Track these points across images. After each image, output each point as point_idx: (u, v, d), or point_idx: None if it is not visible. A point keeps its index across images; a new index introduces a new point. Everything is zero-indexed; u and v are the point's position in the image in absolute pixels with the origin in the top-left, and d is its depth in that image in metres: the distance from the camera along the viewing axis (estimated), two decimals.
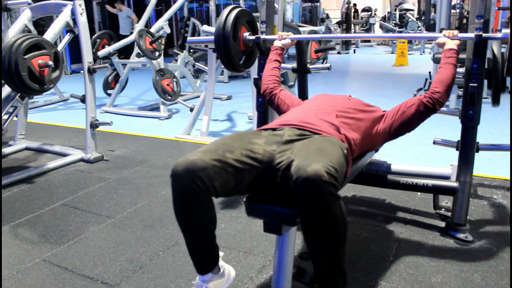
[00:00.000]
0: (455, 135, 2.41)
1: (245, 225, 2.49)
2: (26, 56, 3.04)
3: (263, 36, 2.69)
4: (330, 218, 1.42)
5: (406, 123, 2.12)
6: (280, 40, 2.62)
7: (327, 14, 15.71)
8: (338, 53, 13.97)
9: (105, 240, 2.41)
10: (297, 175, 1.39)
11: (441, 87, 2.08)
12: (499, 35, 2.11)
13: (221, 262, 1.75)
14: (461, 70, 2.54)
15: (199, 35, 8.89)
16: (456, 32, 2.21)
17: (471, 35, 2.18)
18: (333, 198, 1.40)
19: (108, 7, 11.38)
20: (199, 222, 1.62)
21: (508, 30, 1.99)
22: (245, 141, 1.73)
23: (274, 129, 1.90)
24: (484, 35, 2.14)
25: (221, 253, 1.75)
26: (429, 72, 6.08)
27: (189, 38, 3.06)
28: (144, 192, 3.08)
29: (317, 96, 2.33)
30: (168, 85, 5.43)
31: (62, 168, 3.64)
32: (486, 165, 3.41)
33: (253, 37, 2.65)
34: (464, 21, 8.87)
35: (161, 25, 6.00)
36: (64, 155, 3.91)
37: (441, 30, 5.89)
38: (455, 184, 2.27)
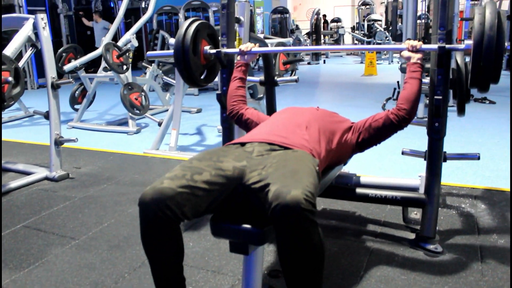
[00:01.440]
0: (424, 144, 2.41)
1: (214, 243, 2.43)
2: None
3: (224, 50, 2.61)
4: (309, 245, 1.40)
5: (373, 137, 2.17)
6: (242, 54, 2.53)
7: (297, 25, 15.83)
8: (308, 63, 14.09)
9: (68, 263, 2.32)
10: (277, 202, 1.37)
11: (406, 104, 2.10)
12: (461, 46, 2.12)
13: None
14: (426, 80, 2.56)
15: (168, 48, 8.82)
16: (419, 44, 2.19)
17: (434, 46, 2.19)
18: (312, 225, 1.38)
19: (84, 20, 11.32)
20: (167, 252, 1.59)
21: (470, 42, 2.00)
22: (214, 160, 1.70)
23: (243, 144, 1.88)
24: (447, 46, 2.15)
25: None
26: (397, 82, 6.17)
27: (149, 53, 2.97)
28: (110, 211, 2.99)
29: (285, 109, 2.32)
30: (136, 99, 5.34)
31: (25, 188, 3.51)
32: (454, 174, 3.45)
33: (214, 51, 2.58)
34: (430, 31, 9.05)
35: (129, 38, 5.91)
36: (27, 173, 3.78)
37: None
38: (423, 197, 2.27)
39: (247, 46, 2.52)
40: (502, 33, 1.89)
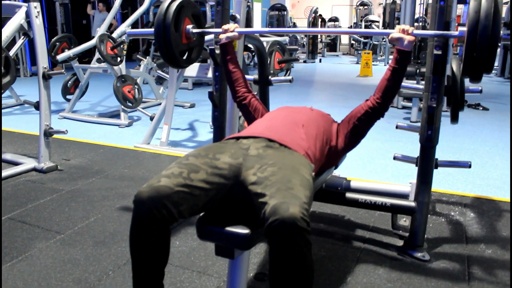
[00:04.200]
0: (416, 148, 2.40)
1: (200, 243, 2.40)
2: None
3: (206, 30, 2.47)
4: (301, 265, 1.38)
5: (356, 131, 2.13)
6: (224, 33, 2.32)
7: (294, 23, 15.82)
8: (304, 62, 14.07)
9: (52, 258, 2.28)
10: (274, 218, 1.34)
11: (384, 97, 2.03)
12: (455, 33, 2.00)
13: None
14: (421, 86, 2.54)
15: None
16: (412, 28, 1.98)
17: (428, 32, 2.14)
18: (306, 245, 1.37)
19: (88, 7, 11.29)
20: (153, 255, 1.57)
21: (464, 28, 1.89)
22: (210, 157, 1.68)
23: (239, 139, 1.86)
24: (439, 32, 2.07)
25: None
26: None
27: (129, 31, 2.83)
28: (97, 205, 2.95)
29: (279, 108, 2.30)
30: (129, 92, 5.29)
31: (12, 178, 3.46)
32: (444, 180, 3.44)
33: (197, 30, 2.44)
34: None
35: (124, 30, 5.86)
36: (15, 163, 3.73)
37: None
38: (413, 204, 2.26)
39: (230, 26, 2.34)
40: (498, 22, 1.81)
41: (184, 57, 2.50)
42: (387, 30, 2.10)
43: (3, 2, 3.71)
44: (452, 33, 2.05)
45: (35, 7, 3.56)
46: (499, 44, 1.98)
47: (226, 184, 1.63)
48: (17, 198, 3.06)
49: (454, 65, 2.44)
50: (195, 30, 2.44)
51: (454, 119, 2.53)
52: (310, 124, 2.01)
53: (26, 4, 3.57)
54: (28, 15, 3.58)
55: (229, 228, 1.52)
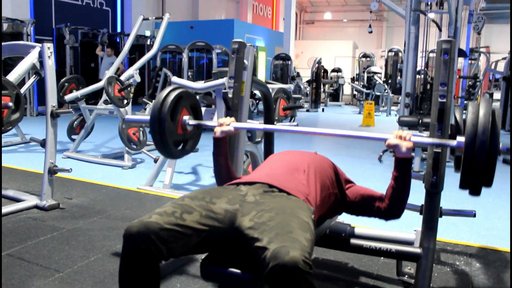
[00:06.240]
0: (418, 196, 2.39)
1: (202, 286, 2.36)
2: None
3: (202, 122, 2.37)
4: None
5: (358, 211, 2.24)
6: (220, 126, 2.23)
7: (298, 73, 16.12)
8: (307, 111, 14.23)
9: None
10: (275, 263, 1.33)
11: (396, 208, 2.07)
12: (453, 142, 1.95)
13: None
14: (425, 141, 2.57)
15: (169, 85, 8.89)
16: (409, 135, 1.96)
17: (426, 140, 2.10)
18: None
19: (98, 49, 11.58)
20: None
21: (462, 139, 1.83)
22: (206, 201, 1.69)
23: (238, 185, 1.86)
24: (437, 141, 2.05)
25: None
26: None
27: (127, 117, 2.80)
28: (98, 245, 2.92)
29: (284, 152, 2.31)
30: (134, 134, 5.34)
31: (14, 215, 3.44)
32: (449, 230, 3.41)
33: (194, 122, 2.33)
34: (428, 86, 9.22)
35: (132, 73, 5.98)
36: (17, 200, 3.72)
37: (407, 95, 6.08)
38: (418, 251, 2.23)
39: (225, 120, 2.25)
40: (496, 136, 1.79)
41: (179, 148, 2.39)
42: (384, 136, 2.02)
43: (19, 42, 3.82)
44: (451, 142, 1.99)
45: (48, 48, 3.66)
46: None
47: (220, 228, 1.62)
48: (17, 235, 3.03)
49: (457, 114, 2.48)
50: (191, 122, 2.34)
51: (458, 168, 2.54)
52: (313, 169, 2.02)
53: (40, 45, 3.67)
54: (41, 55, 3.68)
55: (233, 270, 1.51)
